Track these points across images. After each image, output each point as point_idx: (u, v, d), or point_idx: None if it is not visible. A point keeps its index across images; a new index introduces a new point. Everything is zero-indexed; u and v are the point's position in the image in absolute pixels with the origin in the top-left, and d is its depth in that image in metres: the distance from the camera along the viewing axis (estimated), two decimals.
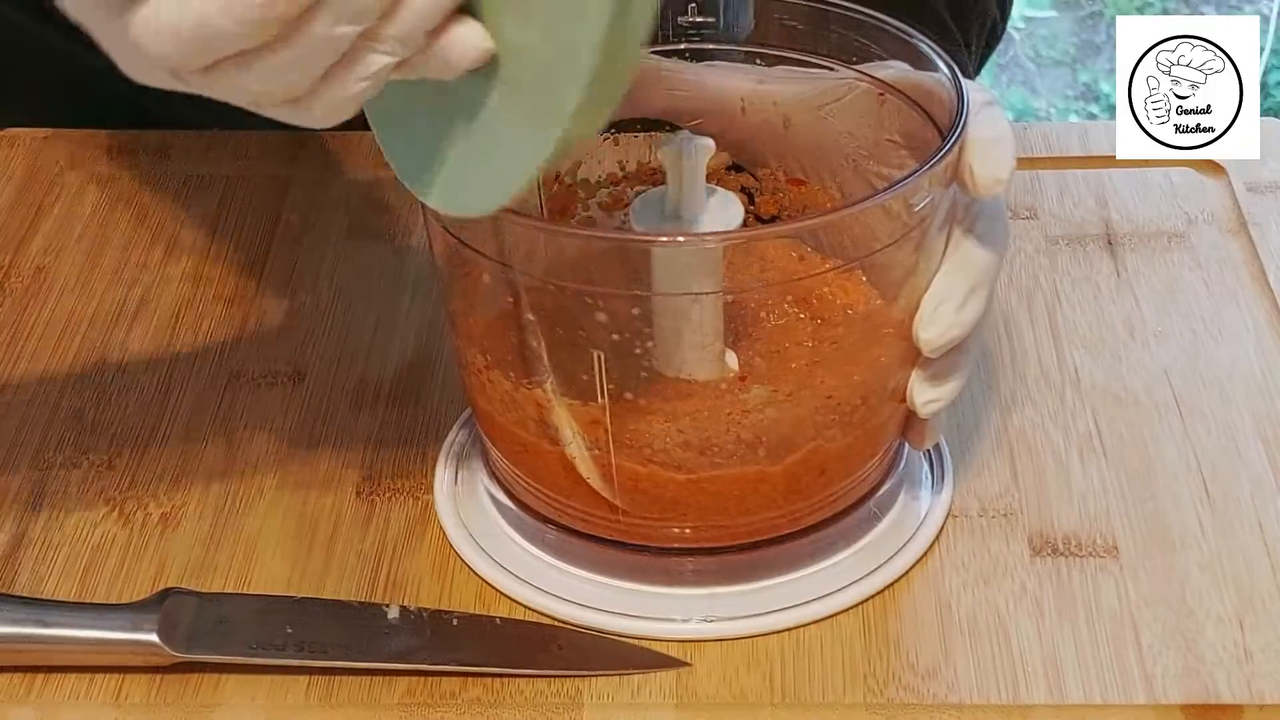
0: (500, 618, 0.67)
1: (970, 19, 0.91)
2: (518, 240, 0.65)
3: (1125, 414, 0.76)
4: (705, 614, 0.67)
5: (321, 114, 0.56)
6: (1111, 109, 2.28)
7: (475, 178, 0.57)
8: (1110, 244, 0.86)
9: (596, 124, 0.54)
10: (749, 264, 0.70)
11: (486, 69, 0.54)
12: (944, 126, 0.65)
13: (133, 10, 0.52)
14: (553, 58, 0.53)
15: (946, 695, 0.64)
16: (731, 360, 0.66)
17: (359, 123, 0.97)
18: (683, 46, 0.72)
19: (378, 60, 0.54)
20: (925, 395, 0.67)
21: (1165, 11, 2.47)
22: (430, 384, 0.78)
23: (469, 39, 0.54)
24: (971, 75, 0.91)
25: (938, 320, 0.65)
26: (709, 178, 0.67)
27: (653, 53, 0.72)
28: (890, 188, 0.63)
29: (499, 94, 0.55)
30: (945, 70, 0.66)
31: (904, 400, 0.67)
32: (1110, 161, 0.89)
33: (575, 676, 0.65)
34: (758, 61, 0.72)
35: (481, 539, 0.70)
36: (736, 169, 0.73)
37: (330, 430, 0.76)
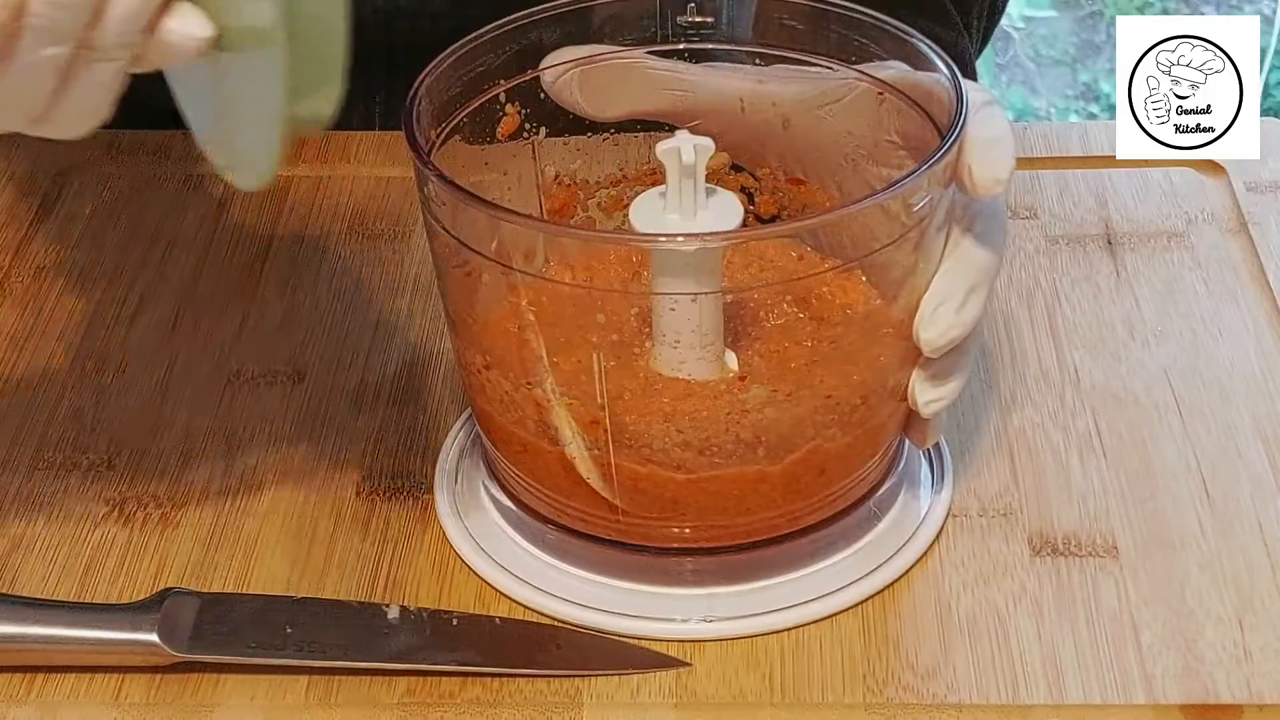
0: (500, 618, 0.67)
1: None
2: (518, 240, 0.65)
3: (1125, 414, 0.76)
4: (705, 614, 0.67)
5: (69, 127, 0.56)
6: (1111, 109, 2.28)
7: (250, 146, 0.59)
8: (1110, 244, 0.86)
9: (325, 81, 0.56)
10: (749, 264, 0.71)
11: (224, 44, 0.56)
12: (943, 126, 0.65)
13: None
14: (257, 24, 0.55)
15: (946, 695, 0.64)
16: (731, 360, 0.66)
17: (358, 123, 0.97)
18: (682, 46, 0.72)
19: (102, 68, 0.54)
20: (927, 395, 0.67)
21: (1165, 11, 2.47)
22: (430, 384, 0.78)
23: (186, 28, 0.54)
24: (973, 63, 0.90)
25: (938, 321, 0.65)
26: (709, 178, 0.67)
27: (652, 53, 0.72)
28: (889, 188, 0.63)
29: (238, 64, 0.56)
30: (944, 70, 0.66)
31: (904, 399, 0.67)
32: (1110, 161, 0.89)
33: (575, 676, 0.65)
34: (757, 62, 0.72)
35: (481, 539, 0.70)
36: (736, 169, 0.73)
37: (330, 430, 0.76)
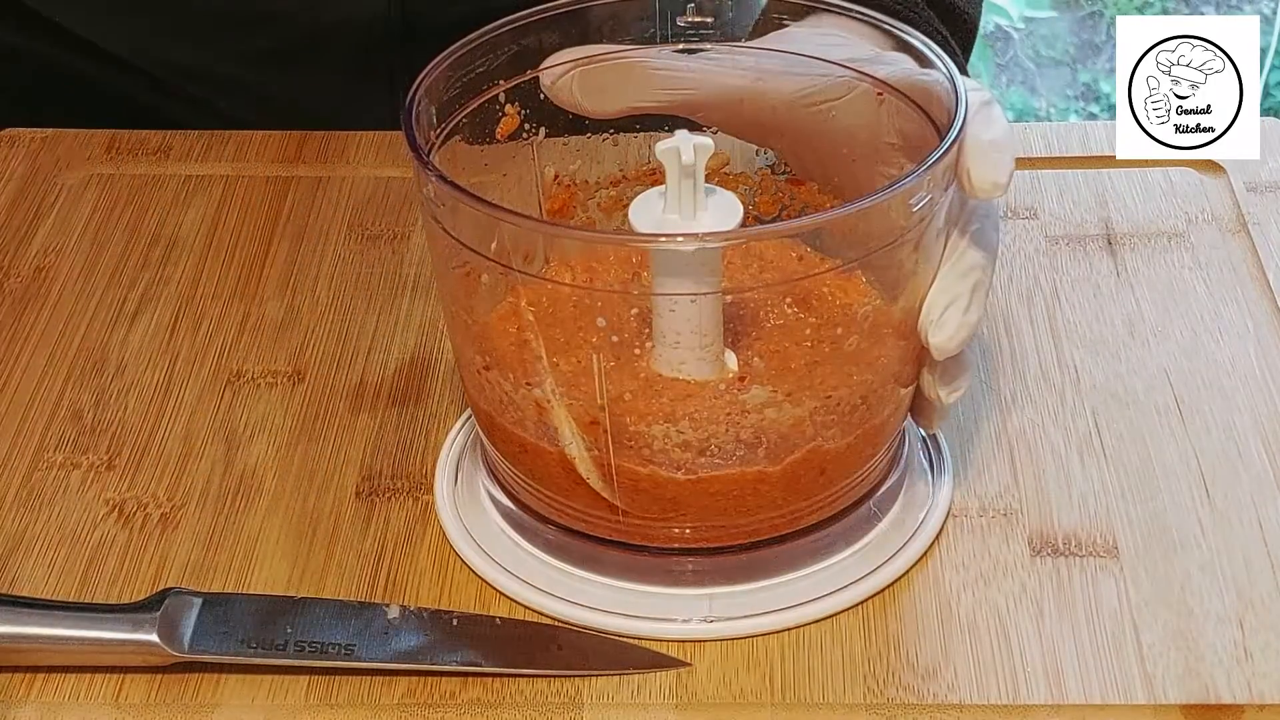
0: (500, 618, 0.67)
1: None
2: (517, 240, 0.65)
3: (1125, 414, 0.76)
4: (705, 614, 0.67)
5: None
6: (1111, 109, 2.28)
7: None
8: (1110, 244, 0.86)
9: None
10: (748, 264, 0.71)
11: None
12: (943, 127, 0.65)
13: None
14: None
15: (946, 695, 0.64)
16: (731, 360, 0.66)
17: (359, 122, 0.97)
18: (681, 47, 0.72)
19: None
20: (945, 389, 0.67)
21: (1165, 11, 2.47)
22: (430, 384, 0.78)
23: None
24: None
25: (946, 324, 0.65)
26: (709, 178, 0.67)
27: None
28: (889, 188, 0.63)
29: None
30: (944, 70, 0.66)
31: (905, 400, 0.67)
32: (1110, 161, 0.89)
33: (575, 676, 0.65)
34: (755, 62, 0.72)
35: (481, 539, 0.70)
36: (771, 168, 0.73)
37: (330, 430, 0.76)
